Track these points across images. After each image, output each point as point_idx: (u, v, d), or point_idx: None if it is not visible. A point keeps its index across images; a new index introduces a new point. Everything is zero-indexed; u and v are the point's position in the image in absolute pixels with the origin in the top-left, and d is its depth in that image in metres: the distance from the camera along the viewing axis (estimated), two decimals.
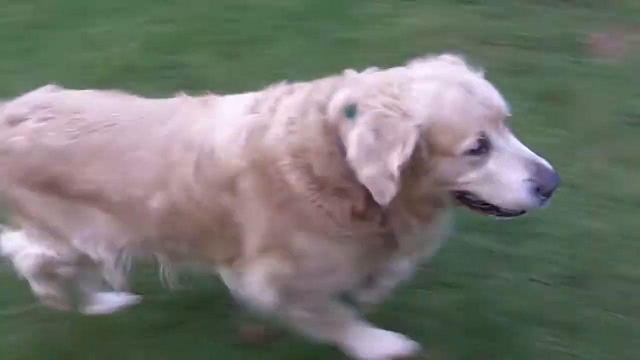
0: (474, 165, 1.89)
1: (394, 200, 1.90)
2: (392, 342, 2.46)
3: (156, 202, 2.22)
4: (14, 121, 2.34)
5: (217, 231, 2.20)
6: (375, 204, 1.94)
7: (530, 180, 1.87)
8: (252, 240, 2.16)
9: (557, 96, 3.68)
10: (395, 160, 1.84)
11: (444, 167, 1.90)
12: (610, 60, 4.01)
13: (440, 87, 1.89)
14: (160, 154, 2.21)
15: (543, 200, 1.89)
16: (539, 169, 1.88)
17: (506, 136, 1.92)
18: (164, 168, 2.20)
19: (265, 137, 2.06)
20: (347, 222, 2.03)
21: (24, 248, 2.53)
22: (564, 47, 4.14)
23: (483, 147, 1.87)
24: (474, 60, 2.04)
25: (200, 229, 2.23)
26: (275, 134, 2.05)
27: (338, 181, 1.98)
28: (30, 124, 2.31)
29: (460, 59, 2.06)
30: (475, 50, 3.99)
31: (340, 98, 1.99)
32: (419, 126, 1.84)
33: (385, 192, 1.87)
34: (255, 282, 2.24)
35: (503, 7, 4.56)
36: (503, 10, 4.53)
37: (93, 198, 2.29)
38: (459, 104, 1.87)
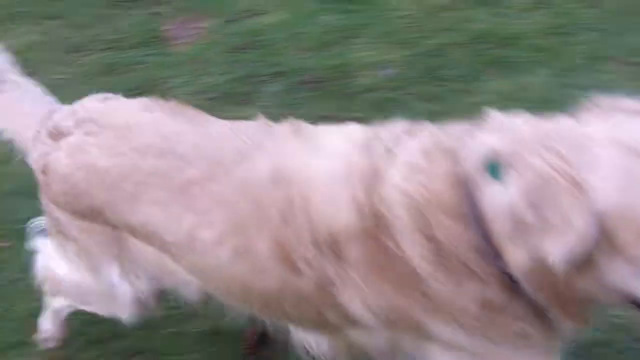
0: None
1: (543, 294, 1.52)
2: None
3: (227, 250, 1.84)
4: (57, 134, 2.07)
5: (315, 295, 1.80)
6: (517, 293, 1.55)
7: None
8: (363, 314, 1.76)
9: (146, 88, 4.29)
10: (558, 251, 1.39)
11: (620, 269, 1.42)
12: (185, 47, 4.73)
13: (632, 162, 1.39)
14: (239, 190, 1.82)
15: None
16: None
17: None
18: (242, 208, 1.81)
19: (383, 187, 1.66)
20: (480, 313, 1.58)
21: (55, 268, 2.32)
22: (146, 42, 4.72)
23: None
24: None
25: (286, 292, 1.83)
26: (395, 183, 1.65)
27: (464, 254, 1.55)
28: (73, 140, 2.03)
29: None
30: (67, 59, 4.45)
31: (481, 146, 1.56)
32: (600, 214, 1.37)
33: (539, 278, 1.48)
34: None
35: (87, 16, 5.00)
36: (88, 20, 4.97)
37: (145, 235, 1.97)
38: None
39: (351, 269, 1.69)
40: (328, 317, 1.82)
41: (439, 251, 1.56)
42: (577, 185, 1.38)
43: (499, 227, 1.48)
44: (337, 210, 1.69)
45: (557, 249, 1.39)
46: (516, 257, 1.48)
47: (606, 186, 1.37)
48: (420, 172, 1.62)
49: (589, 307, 1.60)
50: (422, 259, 1.58)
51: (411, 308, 1.65)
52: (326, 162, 1.77)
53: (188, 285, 2.08)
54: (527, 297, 1.55)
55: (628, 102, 1.54)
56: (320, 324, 1.89)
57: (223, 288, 1.98)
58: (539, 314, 1.59)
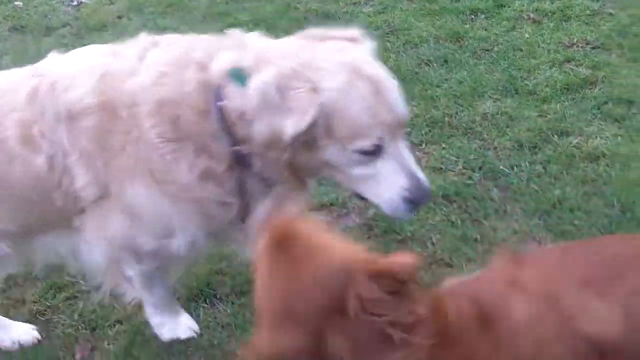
0: (361, 162, 1.93)
1: (267, 161, 1.94)
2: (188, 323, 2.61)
3: None
4: None
5: (46, 177, 2.07)
6: (237, 169, 1.99)
7: (407, 189, 1.94)
8: (87, 189, 2.07)
9: None
10: (291, 128, 1.83)
11: (332, 153, 1.91)
12: None
13: (351, 77, 1.87)
14: (2, 94, 2.11)
15: (411, 211, 2.00)
16: (417, 184, 1.95)
17: (400, 144, 1.96)
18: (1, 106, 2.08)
19: (128, 82, 1.98)
20: (194, 181, 1.99)
21: None
22: None
23: (376, 151, 1.91)
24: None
25: (28, 174, 2.08)
26: (141, 82, 1.96)
27: (203, 139, 1.94)
28: None
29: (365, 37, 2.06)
30: None
31: (226, 60, 1.94)
32: (323, 105, 1.83)
33: (271, 150, 1.89)
34: (89, 241, 2.19)
35: None
36: None
37: None
38: (366, 104, 1.86)
39: (82, 134, 1.99)
40: (58, 204, 2.10)
41: (173, 133, 1.94)
42: (312, 85, 1.83)
43: (254, 101, 1.84)
44: (78, 92, 1.99)
45: (291, 127, 1.82)
46: (259, 131, 1.87)
47: (331, 89, 1.84)
48: (169, 77, 1.95)
49: (304, 175, 2.05)
50: (155, 136, 1.94)
51: (124, 170, 2.00)
52: (76, 63, 2.12)
53: None
54: (245, 171, 2.01)
55: (339, 31, 2.03)
56: (55, 220, 2.18)
57: None
58: (242, 190, 2.05)
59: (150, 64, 2.00)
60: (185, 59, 1.98)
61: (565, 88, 3.85)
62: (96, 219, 2.13)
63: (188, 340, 2.63)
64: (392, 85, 1.93)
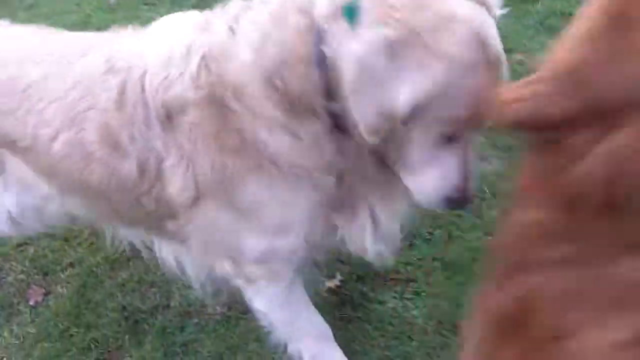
0: (430, 146, 1.60)
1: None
2: None
3: (60, 144, 1.86)
4: None
5: (135, 183, 1.83)
6: (335, 134, 1.64)
7: (456, 189, 1.65)
8: (184, 194, 1.79)
9: None
10: (407, 99, 1.45)
11: (418, 131, 1.56)
12: None
13: (477, 52, 1.49)
14: (74, 84, 1.85)
15: (446, 207, 1.72)
16: (467, 186, 1.67)
17: (472, 140, 1.66)
18: (75, 102, 1.84)
19: (230, 65, 1.66)
20: (304, 150, 1.65)
21: None
22: None
23: (452, 138, 1.59)
24: None
25: (113, 178, 1.86)
26: (242, 61, 1.64)
27: (309, 96, 1.58)
28: None
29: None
30: None
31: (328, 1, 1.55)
32: (445, 74, 1.45)
33: (377, 132, 1.52)
34: (188, 249, 1.97)
35: None
36: None
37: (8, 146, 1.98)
38: (478, 87, 1.49)
39: (182, 134, 1.72)
40: (148, 208, 1.88)
41: (289, 97, 1.59)
42: (440, 49, 1.44)
43: (350, 76, 1.48)
44: (176, 88, 1.71)
45: (406, 97, 1.45)
46: (362, 114, 1.51)
47: (455, 59, 1.46)
48: (268, 41, 1.61)
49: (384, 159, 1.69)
50: (273, 108, 1.61)
51: (233, 166, 1.70)
52: (162, 45, 1.79)
53: (52, 200, 2.11)
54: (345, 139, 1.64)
55: None
56: (143, 218, 1.96)
57: (65, 187, 2.00)
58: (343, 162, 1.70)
59: (246, 33, 1.67)
60: (282, 11, 1.63)
61: (507, 5, 3.83)
62: (194, 222, 1.86)
63: (141, 277, 2.65)
64: (503, 71, 1.56)
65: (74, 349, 2.46)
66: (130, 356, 2.40)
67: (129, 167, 1.81)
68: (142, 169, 1.80)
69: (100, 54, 1.86)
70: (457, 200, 1.67)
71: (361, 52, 1.44)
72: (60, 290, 2.67)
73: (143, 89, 1.75)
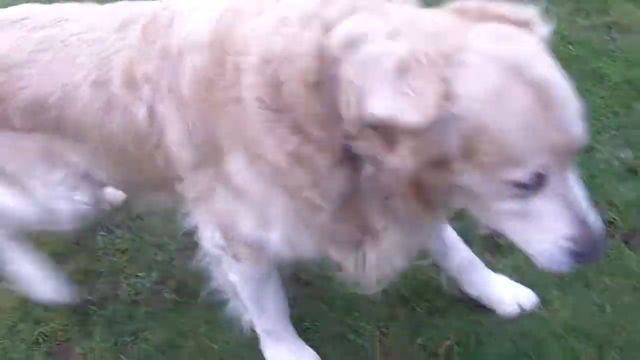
0: (512, 197, 1.43)
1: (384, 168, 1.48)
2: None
3: (87, 86, 1.89)
4: None
5: (147, 132, 1.84)
6: (348, 168, 1.55)
7: (571, 239, 1.47)
8: (180, 149, 1.79)
9: None
10: (412, 117, 1.34)
11: (472, 180, 1.43)
12: None
13: (507, 81, 1.35)
14: (109, 31, 1.92)
15: (574, 265, 1.52)
16: (586, 232, 1.47)
17: (569, 175, 1.46)
18: (108, 43, 1.90)
19: (247, 23, 1.63)
20: (282, 161, 1.56)
21: None
22: None
23: (536, 184, 1.41)
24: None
25: (130, 127, 1.87)
26: (258, 26, 1.60)
27: (303, 117, 1.51)
28: None
29: (545, 23, 1.52)
30: None
31: (351, 27, 1.49)
32: (455, 117, 1.35)
33: (409, 120, 1.35)
34: (193, 214, 1.96)
35: None
36: None
37: (32, 111, 1.96)
38: (525, 120, 1.35)
39: (183, 77, 1.72)
40: (159, 164, 1.87)
41: (273, 101, 1.54)
42: (444, 85, 1.35)
43: (362, 76, 1.40)
44: (191, 26, 1.75)
45: (410, 116, 1.34)
46: (378, 103, 1.38)
47: (472, 97, 1.35)
48: (289, 27, 1.56)
49: (436, 203, 1.57)
50: (251, 97, 1.57)
51: (224, 135, 1.67)
52: (197, 7, 1.83)
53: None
54: (357, 175, 1.56)
55: (507, 9, 1.50)
56: (161, 184, 1.96)
57: (92, 147, 1.98)
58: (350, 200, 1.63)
59: (282, 4, 1.63)
60: (314, 12, 1.56)
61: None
62: (195, 188, 1.85)
63: (87, 268, 2.63)
64: (565, 94, 1.40)
65: (22, 344, 2.43)
66: (81, 348, 2.39)
67: (141, 114, 1.82)
68: (152, 115, 1.81)
69: (136, 8, 1.97)
70: (584, 253, 1.49)
71: (368, 60, 1.41)
72: (7, 286, 2.62)
73: (169, 26, 1.80)
